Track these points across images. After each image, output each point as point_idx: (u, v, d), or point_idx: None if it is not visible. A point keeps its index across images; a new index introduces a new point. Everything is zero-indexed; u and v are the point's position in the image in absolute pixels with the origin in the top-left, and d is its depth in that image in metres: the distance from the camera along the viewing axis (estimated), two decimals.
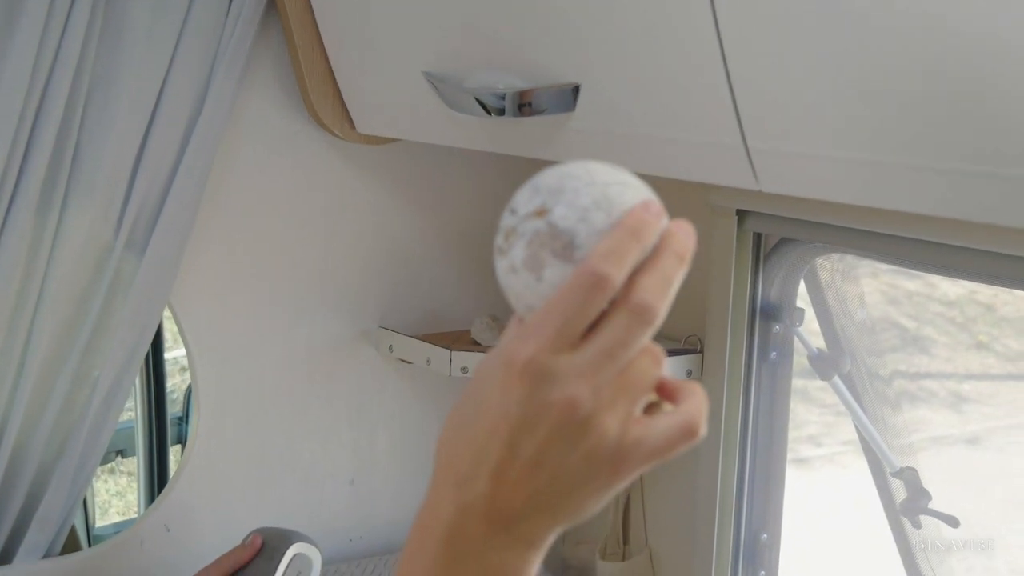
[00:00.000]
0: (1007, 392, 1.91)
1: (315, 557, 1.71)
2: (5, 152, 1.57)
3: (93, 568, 1.79)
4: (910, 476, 1.65)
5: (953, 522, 1.63)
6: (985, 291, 1.84)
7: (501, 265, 0.74)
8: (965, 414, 1.87)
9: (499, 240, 0.75)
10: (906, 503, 1.66)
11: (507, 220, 0.73)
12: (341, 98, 1.80)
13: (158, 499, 1.89)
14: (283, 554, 1.70)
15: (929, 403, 1.93)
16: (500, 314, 1.87)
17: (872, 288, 1.89)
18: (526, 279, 0.73)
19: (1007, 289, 1.89)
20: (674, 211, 1.69)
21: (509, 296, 0.74)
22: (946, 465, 1.75)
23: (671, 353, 1.71)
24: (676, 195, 1.65)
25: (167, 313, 1.85)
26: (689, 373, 1.73)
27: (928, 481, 1.68)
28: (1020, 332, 1.85)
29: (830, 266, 1.71)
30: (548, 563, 1.88)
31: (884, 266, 1.74)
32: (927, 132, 1.09)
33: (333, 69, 1.78)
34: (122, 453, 2.81)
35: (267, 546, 1.70)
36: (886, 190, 1.17)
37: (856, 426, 1.72)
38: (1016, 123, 1.00)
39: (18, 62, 1.58)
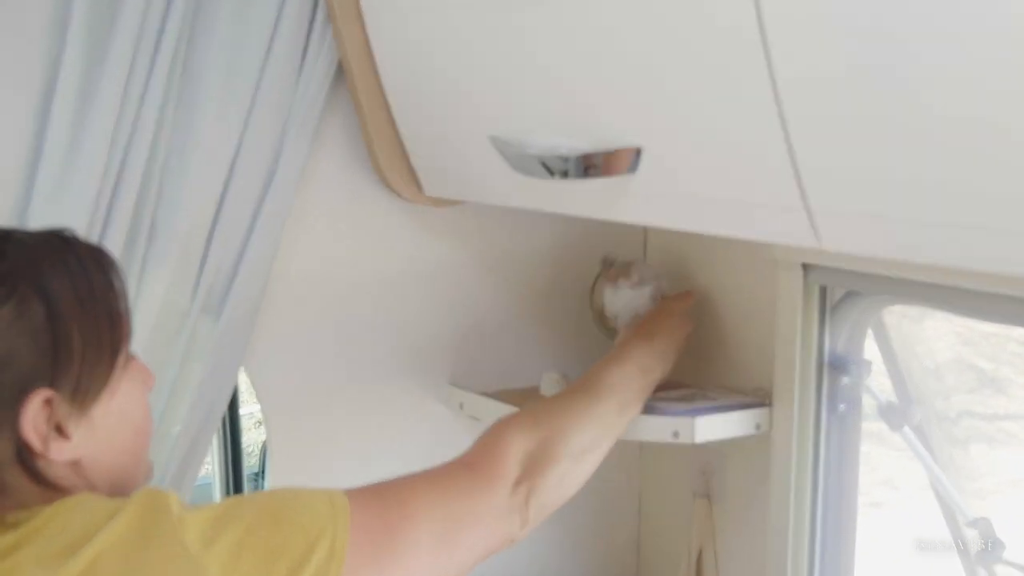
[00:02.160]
0: None
1: None
2: (86, 220, 1.60)
3: None
4: (984, 526, 1.62)
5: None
6: None
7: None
8: None
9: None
10: (981, 554, 1.63)
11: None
12: (408, 161, 1.81)
13: None
14: None
15: (1008, 445, 1.94)
16: (568, 371, 1.86)
17: (946, 331, 1.85)
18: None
19: None
20: (740, 264, 1.94)
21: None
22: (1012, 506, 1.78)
23: (741, 407, 1.72)
24: (742, 249, 1.79)
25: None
26: (758, 427, 1.72)
27: (1004, 526, 1.65)
28: None
29: (897, 317, 1.71)
30: None
31: None
32: (978, 191, 1.08)
33: (400, 133, 1.79)
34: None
35: None
36: (940, 248, 1.16)
37: (928, 477, 1.70)
38: None
39: (98, 131, 1.61)
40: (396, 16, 1.72)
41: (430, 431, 1.95)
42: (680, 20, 1.28)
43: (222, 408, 1.80)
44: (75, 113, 1.61)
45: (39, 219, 1.60)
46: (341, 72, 1.77)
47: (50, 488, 1.18)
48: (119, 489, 1.22)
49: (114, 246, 1.62)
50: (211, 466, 2.85)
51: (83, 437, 1.18)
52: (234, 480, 2.90)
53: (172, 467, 1.75)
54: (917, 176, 1.14)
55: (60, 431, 1.15)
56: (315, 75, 1.74)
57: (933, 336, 1.81)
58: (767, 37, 1.17)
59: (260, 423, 2.83)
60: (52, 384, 1.14)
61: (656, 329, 1.77)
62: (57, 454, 1.15)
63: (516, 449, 1.38)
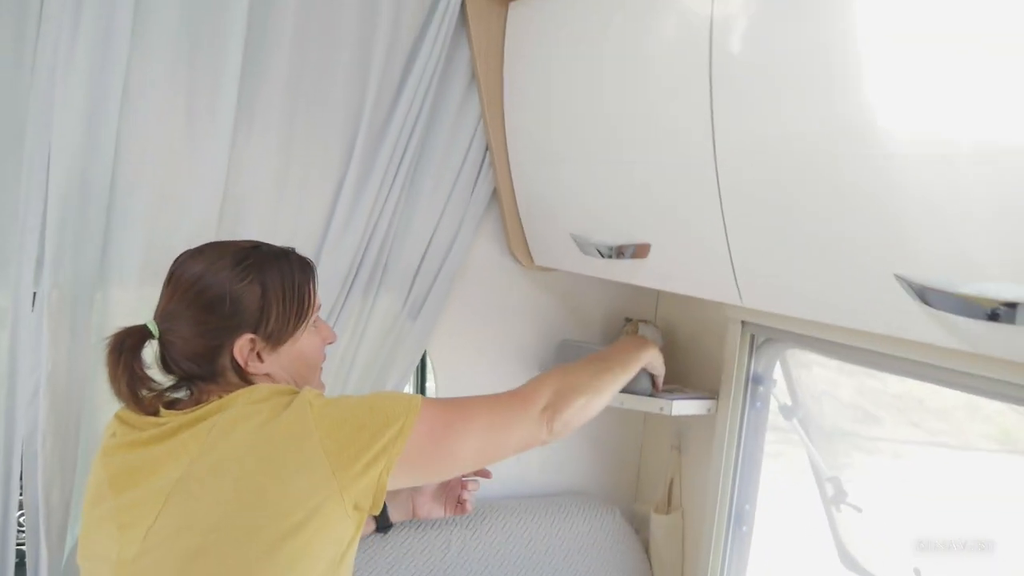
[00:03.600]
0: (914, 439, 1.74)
1: None
2: (349, 262, 1.67)
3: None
4: (835, 481, 1.69)
5: (858, 509, 1.68)
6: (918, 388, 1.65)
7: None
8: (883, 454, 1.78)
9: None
10: (832, 497, 1.71)
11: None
12: (527, 244, 1.88)
13: None
14: None
15: (865, 450, 1.80)
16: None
17: (822, 368, 1.78)
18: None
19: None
20: (708, 319, 1.82)
21: None
22: (862, 481, 1.70)
23: (701, 398, 1.77)
24: (709, 311, 1.81)
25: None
26: (709, 410, 1.76)
27: (848, 485, 1.69)
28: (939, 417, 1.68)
29: (794, 356, 1.74)
30: (623, 514, 1.90)
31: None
32: (834, 279, 1.12)
33: (524, 227, 1.86)
34: None
35: None
36: (809, 306, 1.20)
37: (807, 450, 1.71)
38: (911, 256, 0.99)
39: (363, 210, 1.67)
40: (523, 167, 1.77)
41: None
42: (674, 181, 1.35)
43: (411, 372, 1.83)
44: (353, 198, 1.67)
45: (325, 261, 1.66)
46: (495, 190, 1.83)
47: (248, 382, 1.23)
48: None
49: (362, 277, 1.70)
50: None
51: (272, 362, 1.22)
52: None
53: None
54: (793, 265, 1.19)
55: (258, 357, 1.20)
56: (481, 191, 1.81)
57: (817, 370, 1.76)
58: (720, 181, 1.24)
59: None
60: (255, 331, 1.20)
61: (637, 336, 1.75)
62: (254, 369, 1.21)
63: (547, 388, 1.33)
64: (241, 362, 1.19)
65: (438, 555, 1.75)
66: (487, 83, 1.74)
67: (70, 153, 1.43)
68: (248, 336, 1.19)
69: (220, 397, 1.16)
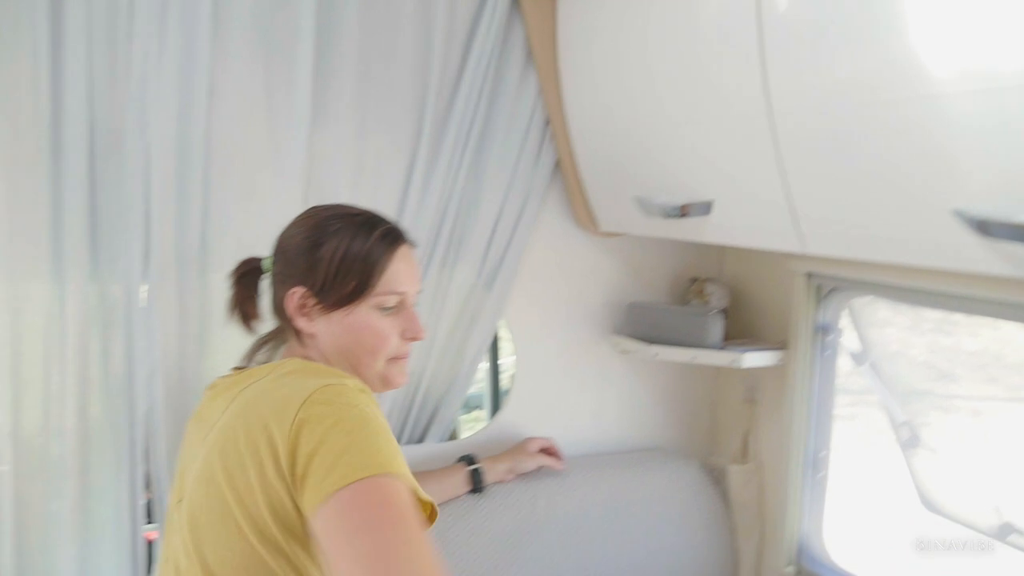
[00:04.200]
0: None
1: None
2: (425, 237, 1.72)
3: (463, 445, 1.88)
4: (910, 426, 1.71)
5: (934, 451, 1.68)
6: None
7: None
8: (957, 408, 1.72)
9: None
10: (907, 441, 1.72)
11: None
12: (592, 211, 1.89)
13: (487, 424, 1.99)
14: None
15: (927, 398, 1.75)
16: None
17: (894, 328, 1.77)
18: None
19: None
20: (774, 273, 1.85)
21: None
22: (941, 438, 1.67)
23: (771, 349, 1.79)
24: (773, 265, 1.84)
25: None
26: (780, 360, 1.78)
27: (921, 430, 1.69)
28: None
29: (861, 306, 1.74)
30: (701, 466, 1.92)
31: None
32: (898, 216, 1.12)
33: (587, 194, 1.87)
34: (479, 407, 2.83)
35: None
36: (875, 249, 1.20)
37: (879, 395, 1.72)
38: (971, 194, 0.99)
39: (435, 190, 1.72)
40: (584, 136, 1.79)
41: (598, 359, 2.01)
42: (732, 135, 1.36)
43: (490, 339, 1.88)
44: (423, 179, 1.72)
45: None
46: (557, 162, 1.86)
47: (304, 345, 1.22)
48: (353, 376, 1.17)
49: (440, 252, 1.75)
50: (483, 384, 2.79)
51: (320, 325, 1.20)
52: (494, 392, 2.80)
53: (464, 371, 1.84)
54: (852, 208, 1.20)
55: (307, 315, 1.20)
56: (544, 164, 1.84)
57: (889, 331, 1.75)
58: (776, 131, 1.24)
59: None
60: (308, 287, 1.19)
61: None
62: (301, 326, 1.20)
63: None
64: (289, 312, 1.19)
65: (526, 510, 1.80)
66: (543, 58, 1.76)
67: (165, 152, 1.51)
68: (300, 288, 1.19)
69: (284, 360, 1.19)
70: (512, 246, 1.84)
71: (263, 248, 1.34)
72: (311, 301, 1.19)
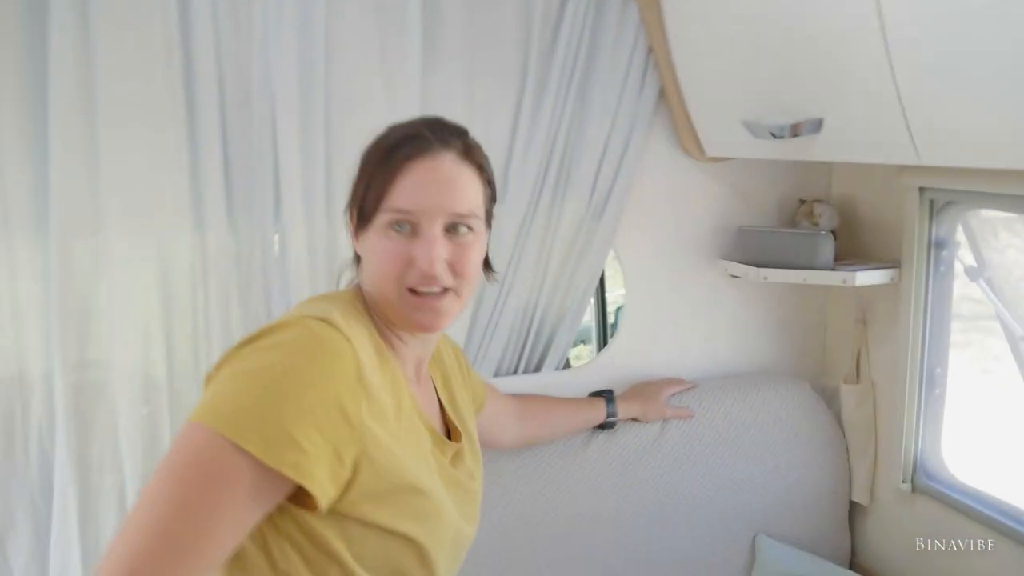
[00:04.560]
0: None
1: None
2: (534, 174, 1.78)
3: (578, 374, 1.94)
4: None
5: None
6: None
7: None
8: None
9: None
10: None
11: None
12: (698, 138, 1.89)
13: (599, 354, 2.02)
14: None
15: None
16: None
17: (1017, 252, 1.71)
18: None
19: None
20: (886, 190, 1.89)
21: None
22: None
23: (884, 267, 1.77)
24: (884, 182, 1.84)
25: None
26: (892, 279, 1.76)
27: None
28: None
29: (976, 219, 1.71)
30: (813, 387, 1.94)
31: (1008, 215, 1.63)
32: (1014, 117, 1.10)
33: (693, 122, 1.87)
34: (584, 342, 2.85)
35: None
36: (991, 156, 1.19)
37: (996, 311, 1.68)
38: None
39: (542, 127, 1.76)
40: (688, 63, 1.78)
41: (707, 284, 2.03)
42: (841, 46, 1.34)
43: (600, 270, 1.91)
44: (531, 117, 1.76)
45: (513, 177, 1.76)
46: (661, 90, 1.86)
47: (360, 271, 1.15)
48: (382, 312, 1.10)
49: (548, 187, 1.79)
50: (592, 318, 2.78)
51: (360, 246, 1.12)
52: (601, 325, 2.80)
53: (575, 302, 1.88)
54: (966, 113, 1.18)
55: (354, 236, 1.12)
56: (648, 93, 1.85)
57: (1011, 255, 1.68)
58: (887, 39, 1.23)
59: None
60: (349, 206, 1.13)
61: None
62: (352, 241, 1.13)
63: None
64: (348, 228, 1.13)
65: (643, 435, 1.87)
66: None
67: (289, 105, 1.58)
68: (351, 210, 1.12)
69: None
70: (620, 176, 1.86)
71: None
72: (355, 222, 1.11)
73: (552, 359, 1.91)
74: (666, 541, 1.84)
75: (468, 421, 1.28)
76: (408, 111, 1.66)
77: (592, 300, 2.64)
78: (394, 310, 1.08)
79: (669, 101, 1.87)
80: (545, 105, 1.76)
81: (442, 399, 1.26)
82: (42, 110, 1.44)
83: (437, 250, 1.05)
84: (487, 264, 1.18)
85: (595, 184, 1.85)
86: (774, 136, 1.53)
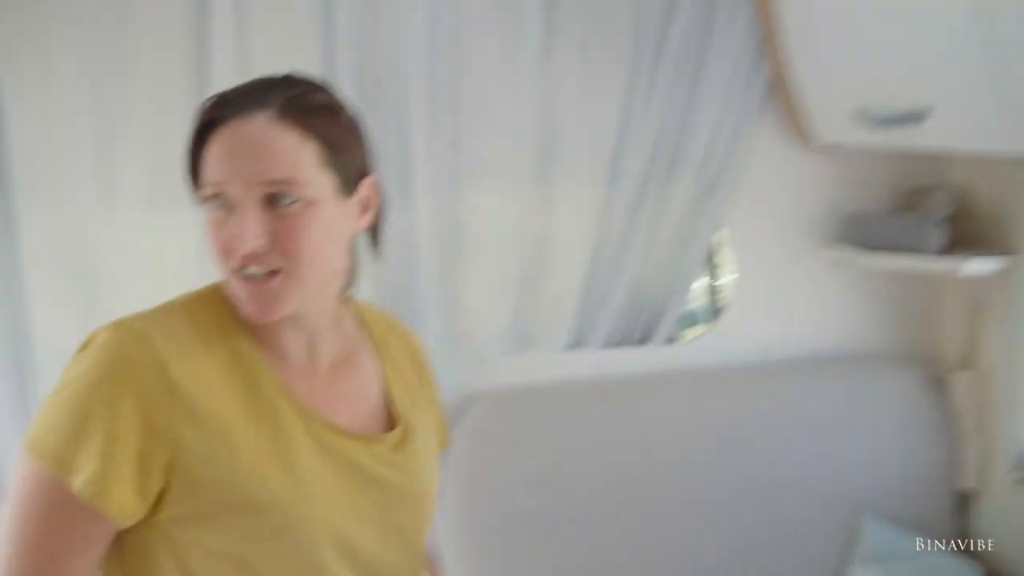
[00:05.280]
0: None
1: None
2: (645, 160, 1.81)
3: (684, 350, 2.00)
4: None
5: None
6: None
7: None
8: None
9: None
10: None
11: None
12: (808, 123, 1.88)
13: (708, 331, 2.07)
14: None
15: None
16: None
17: None
18: None
19: None
20: (999, 180, 1.81)
21: None
22: None
23: (995, 254, 1.74)
24: (999, 170, 1.74)
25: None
26: (1007, 265, 1.72)
27: None
28: None
29: None
30: (923, 375, 1.91)
31: None
32: None
33: (804, 107, 1.86)
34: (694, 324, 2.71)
35: None
36: None
37: None
38: None
39: (654, 116, 1.81)
40: (801, 51, 1.78)
41: (816, 268, 2.02)
42: (953, 33, 1.36)
43: (705, 249, 1.95)
44: (644, 101, 1.81)
45: (628, 157, 1.81)
46: (773, 78, 1.87)
47: None
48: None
49: (658, 169, 1.84)
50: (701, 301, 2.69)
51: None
52: (712, 309, 2.68)
53: (679, 288, 1.92)
54: None
55: None
56: (758, 81, 1.88)
57: None
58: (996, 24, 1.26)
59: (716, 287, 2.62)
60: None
61: None
62: None
63: None
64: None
65: (749, 410, 1.91)
66: None
67: (419, 93, 1.71)
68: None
69: None
70: (729, 162, 1.90)
71: (506, 174, 1.65)
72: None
73: (661, 333, 1.95)
74: (764, 515, 1.86)
75: (417, 411, 1.07)
76: (528, 95, 1.80)
77: (704, 283, 2.63)
78: (235, 298, 0.92)
79: (780, 89, 1.89)
80: (658, 91, 1.82)
81: (389, 385, 1.06)
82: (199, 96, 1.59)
83: (248, 225, 0.88)
84: (375, 237, 1.00)
85: (705, 166, 1.89)
86: (886, 124, 1.55)
